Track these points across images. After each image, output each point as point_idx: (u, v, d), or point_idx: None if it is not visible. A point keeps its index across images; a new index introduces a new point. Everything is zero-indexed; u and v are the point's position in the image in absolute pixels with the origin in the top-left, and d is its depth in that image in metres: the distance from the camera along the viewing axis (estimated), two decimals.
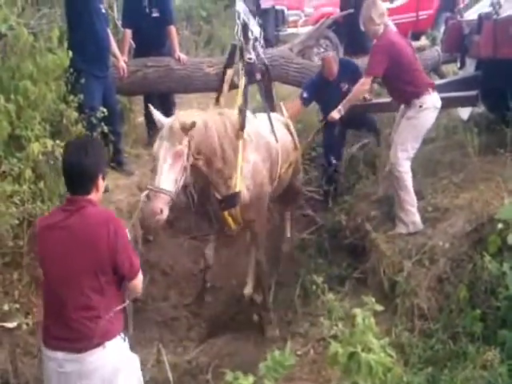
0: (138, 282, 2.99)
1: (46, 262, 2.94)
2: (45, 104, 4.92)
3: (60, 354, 2.80)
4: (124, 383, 2.87)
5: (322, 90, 6.18)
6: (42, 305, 3.10)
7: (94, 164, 2.91)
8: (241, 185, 4.51)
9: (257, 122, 4.95)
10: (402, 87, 4.97)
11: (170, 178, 3.97)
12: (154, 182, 3.96)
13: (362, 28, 5.24)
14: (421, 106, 4.90)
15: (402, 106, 5.12)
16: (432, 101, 4.95)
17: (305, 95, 6.35)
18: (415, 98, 4.91)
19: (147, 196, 3.99)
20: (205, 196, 4.94)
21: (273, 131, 5.01)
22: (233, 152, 4.49)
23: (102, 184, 2.99)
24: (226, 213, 4.62)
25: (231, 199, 4.54)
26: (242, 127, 4.53)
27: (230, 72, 4.94)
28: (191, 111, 4.44)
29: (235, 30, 5.02)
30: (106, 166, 3.14)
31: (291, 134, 5.60)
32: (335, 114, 5.52)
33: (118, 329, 2.90)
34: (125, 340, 2.94)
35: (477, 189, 4.98)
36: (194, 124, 4.00)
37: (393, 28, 5.21)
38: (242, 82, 4.89)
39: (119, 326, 2.92)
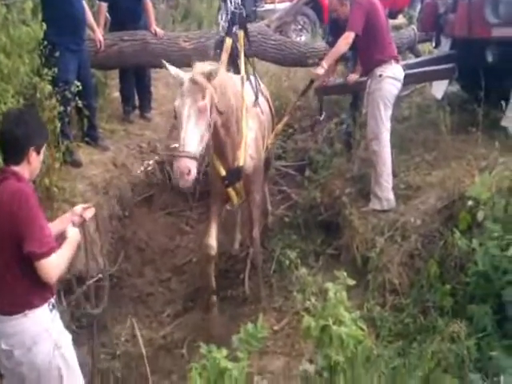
0: (45, 265, 2.82)
1: None
2: (18, 77, 4.86)
3: None
4: (42, 353, 2.91)
5: (342, 32, 6.04)
6: None
7: (24, 135, 2.91)
8: (245, 157, 4.48)
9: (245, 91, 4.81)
10: (371, 51, 5.03)
11: (195, 137, 3.80)
12: (180, 142, 3.79)
13: None
14: (380, 75, 4.98)
15: (368, 82, 5.15)
16: (392, 71, 5.03)
17: (330, 39, 6.48)
18: (378, 66, 5.00)
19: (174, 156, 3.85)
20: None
21: (257, 103, 4.97)
22: (241, 117, 4.43)
23: (35, 157, 2.96)
24: (230, 189, 4.59)
25: (235, 173, 4.48)
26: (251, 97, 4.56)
27: (229, 41, 4.77)
28: (205, 63, 4.09)
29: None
30: (43, 141, 3.07)
31: (269, 104, 5.54)
32: (319, 70, 5.22)
33: (41, 299, 2.93)
34: (51, 311, 2.98)
35: (449, 167, 5.08)
36: (217, 71, 3.86)
37: None
38: (242, 49, 4.86)
39: (44, 297, 2.94)
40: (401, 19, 10.15)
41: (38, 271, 2.83)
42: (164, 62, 4.12)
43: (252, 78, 5.16)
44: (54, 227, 3.15)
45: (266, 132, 5.09)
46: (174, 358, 4.70)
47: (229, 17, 4.88)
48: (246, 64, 5.03)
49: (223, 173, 4.51)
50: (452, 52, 6.13)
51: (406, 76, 5.17)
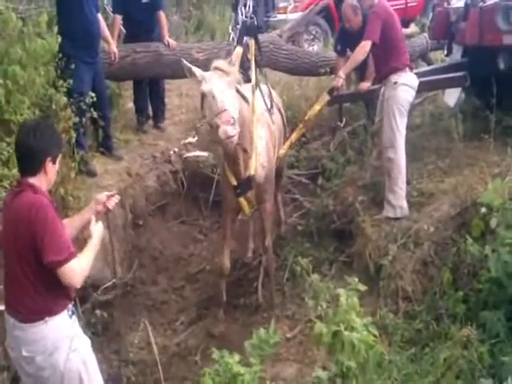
0: (66, 271, 2.85)
1: (2, 239, 3.02)
2: (34, 89, 4.94)
3: (11, 319, 2.99)
4: (63, 358, 2.96)
5: (351, 40, 6.02)
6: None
7: (41, 146, 2.95)
8: (256, 166, 4.52)
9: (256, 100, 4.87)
10: (387, 59, 5.06)
11: (231, 101, 3.97)
12: (219, 111, 3.91)
13: (356, 3, 5.33)
14: (395, 83, 5.00)
15: (382, 90, 5.18)
16: (407, 78, 5.06)
17: (338, 48, 6.56)
18: (393, 74, 5.03)
19: (211, 125, 4.00)
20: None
21: (269, 112, 5.03)
22: (252, 127, 4.49)
23: (51, 167, 3.00)
24: (241, 198, 4.63)
25: (247, 183, 4.52)
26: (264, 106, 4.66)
27: (239, 49, 4.84)
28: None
29: (242, 8, 5.02)
30: (59, 151, 3.12)
31: (281, 113, 5.60)
32: (338, 82, 5.33)
33: (60, 305, 2.99)
34: (71, 317, 3.04)
35: (461, 174, 5.08)
36: (238, 57, 4.11)
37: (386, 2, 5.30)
38: (253, 59, 4.94)
39: (63, 303, 3.01)
40: (413, 28, 10.17)
41: (61, 278, 2.87)
42: (183, 60, 4.32)
43: (264, 86, 5.21)
44: (76, 221, 3.27)
45: (277, 141, 5.12)
46: (187, 365, 4.72)
47: (239, 26, 4.94)
48: (257, 73, 5.10)
49: (234, 182, 4.55)
50: (464, 60, 6.13)
51: (418, 84, 5.19)
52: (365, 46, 5.07)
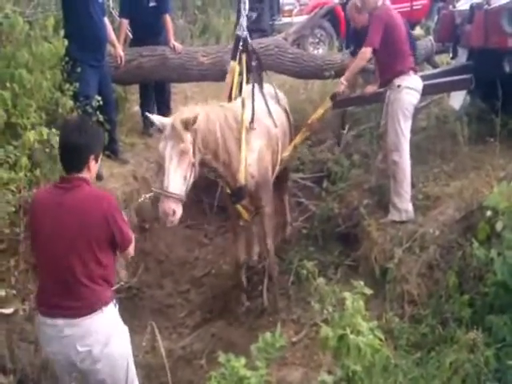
0: (131, 250, 3.24)
1: (40, 237, 3.09)
2: (40, 92, 4.97)
3: (59, 321, 3.01)
4: (116, 345, 3.09)
5: (363, 40, 6.08)
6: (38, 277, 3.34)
7: (85, 143, 3.05)
8: (246, 176, 4.57)
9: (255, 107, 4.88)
10: (391, 63, 5.08)
11: (178, 178, 3.97)
12: (163, 183, 3.97)
13: (359, 4, 5.34)
14: (399, 86, 5.01)
15: (387, 93, 5.18)
16: (411, 81, 5.06)
17: (351, 48, 6.65)
18: (396, 77, 5.03)
19: (159, 197, 4.03)
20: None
21: (271, 115, 5.06)
22: (236, 144, 4.52)
23: (94, 165, 3.11)
24: (238, 205, 4.74)
25: (239, 192, 4.62)
26: (248, 119, 4.61)
27: (233, 64, 4.96)
28: (192, 107, 4.39)
29: (240, 22, 5.06)
30: (100, 149, 3.24)
31: (287, 114, 5.63)
32: (340, 88, 5.37)
33: (111, 295, 3.14)
34: (116, 306, 3.16)
35: (467, 177, 5.08)
36: (195, 119, 4.00)
37: (389, 5, 5.31)
38: (244, 73, 4.97)
39: (112, 293, 3.16)
40: (418, 31, 10.16)
41: (124, 256, 3.30)
42: (149, 114, 4.35)
43: (269, 87, 5.29)
44: None
45: (280, 144, 5.14)
46: (193, 368, 4.72)
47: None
48: (261, 77, 5.20)
49: (229, 191, 4.71)
50: (469, 63, 6.12)
51: (423, 87, 5.19)
52: (365, 53, 5.12)
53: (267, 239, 5.04)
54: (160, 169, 4.20)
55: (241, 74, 5.01)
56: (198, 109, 4.26)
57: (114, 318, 3.13)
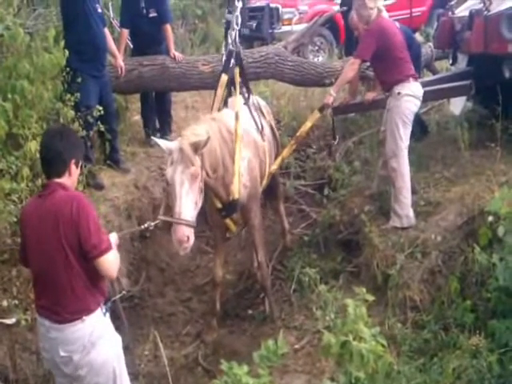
0: (105, 261, 3.01)
1: (28, 245, 3.13)
2: (41, 103, 4.99)
3: (46, 322, 3.09)
4: (99, 353, 3.07)
5: None
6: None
7: (66, 148, 3.09)
8: (240, 188, 4.50)
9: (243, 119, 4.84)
10: (389, 73, 5.08)
11: (189, 203, 3.90)
12: (175, 210, 3.89)
13: (355, 16, 5.35)
14: (399, 93, 5.00)
15: (388, 100, 5.19)
16: (410, 88, 5.05)
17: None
18: (395, 85, 5.03)
19: (170, 224, 3.98)
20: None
21: (259, 130, 5.05)
22: (230, 157, 4.48)
23: (75, 170, 3.14)
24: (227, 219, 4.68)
25: (231, 206, 4.53)
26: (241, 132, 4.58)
27: (224, 77, 4.96)
28: (193, 128, 4.27)
29: (232, 36, 5.08)
30: (81, 155, 3.30)
31: (272, 128, 5.60)
32: (328, 99, 5.31)
33: (96, 303, 3.09)
34: (105, 315, 3.14)
35: (468, 183, 5.08)
36: (207, 142, 3.95)
37: (386, 15, 5.30)
38: (237, 86, 4.98)
39: (98, 301, 3.11)
40: (418, 37, 10.17)
41: (100, 268, 3.01)
42: (154, 138, 4.38)
43: (255, 99, 5.27)
44: None
45: (267, 157, 5.11)
46: (195, 377, 4.72)
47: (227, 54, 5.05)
48: (249, 91, 5.21)
49: (219, 205, 4.58)
50: (469, 68, 6.14)
51: (423, 93, 5.19)
52: (354, 64, 5.15)
53: (258, 251, 5.00)
54: (167, 195, 4.10)
55: (227, 86, 4.99)
56: (199, 129, 4.19)
57: (100, 326, 3.09)
